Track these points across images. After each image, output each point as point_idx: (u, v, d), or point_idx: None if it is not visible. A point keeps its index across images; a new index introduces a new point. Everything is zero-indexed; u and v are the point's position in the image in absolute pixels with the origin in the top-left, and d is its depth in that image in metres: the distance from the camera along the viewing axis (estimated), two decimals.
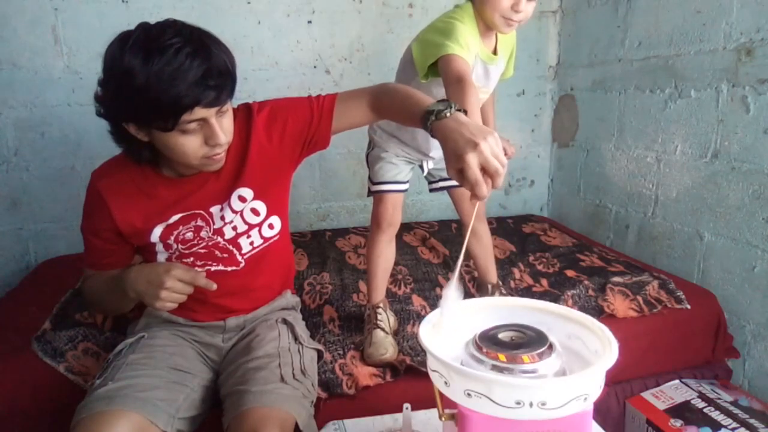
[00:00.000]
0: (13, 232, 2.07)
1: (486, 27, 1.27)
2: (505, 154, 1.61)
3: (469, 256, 1.64)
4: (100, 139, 2.11)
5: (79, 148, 2.05)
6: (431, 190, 1.58)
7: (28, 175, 2.03)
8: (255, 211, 1.15)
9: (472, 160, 0.78)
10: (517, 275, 1.83)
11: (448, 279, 1.80)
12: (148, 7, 1.98)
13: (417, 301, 1.65)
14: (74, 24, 1.95)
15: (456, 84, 1.10)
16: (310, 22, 2.18)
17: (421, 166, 1.48)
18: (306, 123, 1.11)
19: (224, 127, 0.99)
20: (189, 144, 0.97)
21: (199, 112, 0.93)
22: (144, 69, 0.88)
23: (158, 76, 0.88)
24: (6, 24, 1.90)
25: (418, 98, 0.98)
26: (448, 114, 0.87)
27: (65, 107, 2.01)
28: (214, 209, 1.12)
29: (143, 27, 0.93)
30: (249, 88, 2.12)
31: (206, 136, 0.97)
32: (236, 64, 0.99)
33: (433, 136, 0.89)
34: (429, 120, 0.89)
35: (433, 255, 2.04)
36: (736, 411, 1.42)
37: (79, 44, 1.97)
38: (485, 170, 0.79)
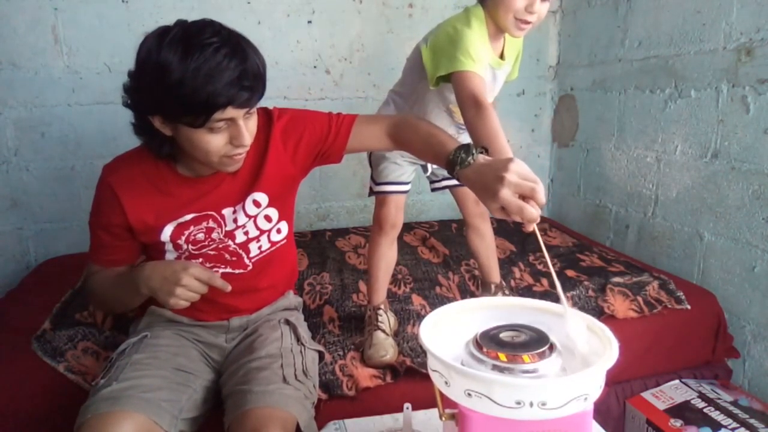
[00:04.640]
0: (13, 232, 2.07)
1: (496, 30, 1.24)
2: None
3: (471, 255, 1.64)
4: (100, 139, 2.13)
5: (79, 148, 2.05)
6: (433, 190, 1.58)
7: (28, 175, 2.03)
8: (268, 218, 1.16)
9: (506, 194, 0.81)
10: (518, 275, 1.83)
11: (447, 278, 1.80)
12: (148, 7, 1.97)
13: (417, 301, 1.65)
14: (74, 24, 1.95)
15: (474, 109, 1.09)
16: (310, 22, 2.18)
17: (423, 167, 1.48)
18: (322, 137, 1.13)
19: (249, 129, 1.01)
20: (214, 142, 0.97)
21: (230, 112, 0.94)
22: (181, 65, 0.89)
23: (195, 73, 0.89)
24: (6, 24, 1.90)
25: (439, 138, 1.01)
26: (471, 161, 0.91)
27: (65, 107, 2.01)
28: (227, 211, 1.12)
29: (182, 24, 0.94)
30: None
31: (232, 135, 0.98)
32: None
33: (461, 183, 0.94)
34: (455, 170, 0.93)
35: (433, 255, 2.04)
36: (736, 411, 1.42)
37: (79, 44, 1.97)
38: (522, 195, 0.82)
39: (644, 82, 1.95)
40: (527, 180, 0.82)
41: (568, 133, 2.45)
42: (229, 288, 1.03)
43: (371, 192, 1.47)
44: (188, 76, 0.89)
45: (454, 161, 0.93)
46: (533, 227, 0.83)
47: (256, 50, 0.99)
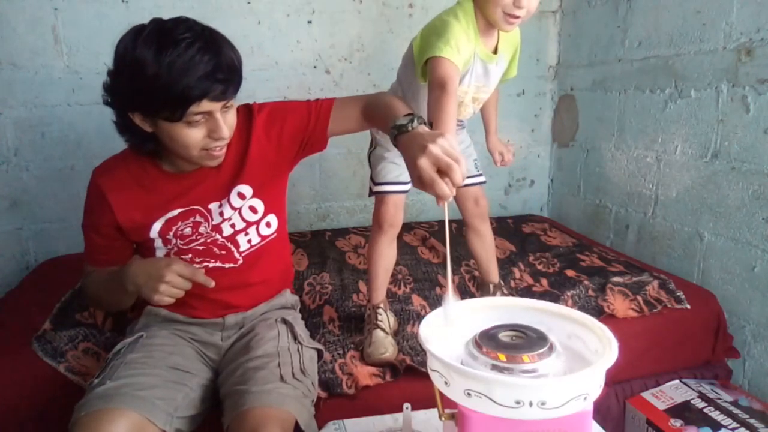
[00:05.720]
0: (13, 232, 2.07)
1: (487, 24, 1.25)
2: (503, 160, 1.62)
3: (471, 255, 1.64)
4: (100, 139, 2.13)
5: (79, 148, 2.05)
6: None
7: (28, 175, 2.03)
8: (253, 209, 1.17)
9: (424, 163, 0.81)
10: (517, 275, 1.83)
11: (447, 279, 1.80)
12: (148, 7, 1.98)
13: (417, 301, 1.65)
14: (74, 24, 1.96)
15: (438, 90, 1.11)
16: (310, 22, 2.18)
17: None
18: (303, 124, 1.14)
19: (228, 122, 1.02)
20: (193, 136, 0.99)
21: (206, 105, 0.96)
22: (156, 60, 0.91)
23: (169, 68, 0.91)
24: (6, 24, 1.90)
25: (395, 109, 1.01)
26: (410, 128, 0.91)
27: (65, 107, 2.01)
28: (213, 205, 1.14)
29: (156, 21, 0.97)
30: (249, 88, 2.09)
31: (210, 129, 1.00)
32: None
33: (399, 150, 0.93)
34: (393, 135, 0.93)
35: (433, 255, 2.04)
36: (736, 411, 1.42)
37: (79, 44, 1.97)
38: (440, 170, 0.81)
39: (644, 82, 1.95)
40: (448, 156, 0.81)
41: (568, 133, 2.45)
42: (212, 284, 1.04)
43: (371, 192, 1.47)
44: (163, 70, 0.91)
45: (394, 126, 0.93)
46: (444, 204, 0.82)
47: (231, 45, 1.01)
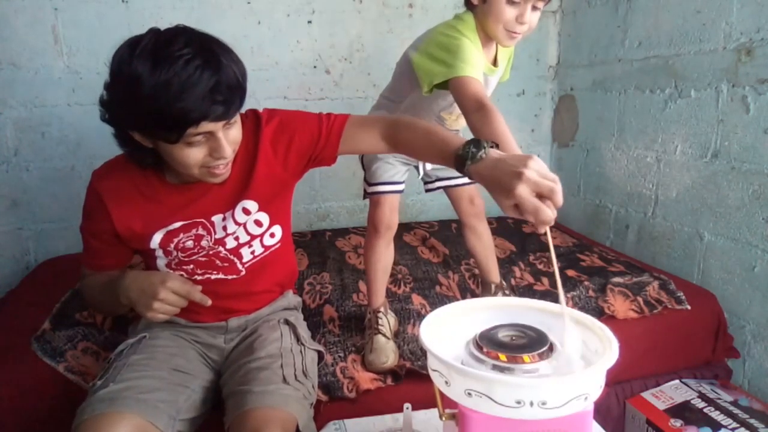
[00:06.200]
0: (13, 232, 2.07)
1: (486, 38, 1.24)
2: None
3: (470, 254, 1.64)
4: (100, 139, 2.12)
5: (79, 148, 2.05)
6: (427, 191, 1.57)
7: (28, 175, 2.03)
8: (258, 223, 1.14)
9: (523, 191, 0.75)
10: (518, 274, 1.83)
11: (447, 277, 1.80)
12: (148, 7, 1.97)
13: (417, 300, 1.65)
14: (74, 24, 1.95)
15: (478, 112, 1.06)
16: (310, 22, 2.18)
17: (416, 168, 1.48)
18: (312, 141, 1.09)
19: (231, 139, 0.98)
20: (193, 156, 0.95)
21: (206, 126, 0.91)
22: (151, 78, 0.85)
23: (165, 87, 0.85)
24: (6, 24, 1.90)
25: (442, 135, 0.95)
26: (483, 155, 0.84)
27: (65, 107, 2.01)
28: (216, 218, 1.10)
29: (154, 32, 0.91)
30: (249, 88, 2.06)
31: (211, 148, 0.96)
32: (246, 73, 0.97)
33: (471, 179, 0.87)
34: (465, 166, 0.86)
35: (432, 255, 2.04)
36: (736, 411, 1.42)
37: (79, 44, 1.97)
38: (540, 194, 0.76)
39: (644, 82, 1.95)
40: (546, 179, 0.76)
41: (568, 133, 2.45)
42: (208, 302, 1.03)
43: (366, 194, 1.46)
44: (159, 91, 0.85)
45: (464, 156, 0.86)
46: (546, 230, 0.77)
47: (234, 57, 0.95)
